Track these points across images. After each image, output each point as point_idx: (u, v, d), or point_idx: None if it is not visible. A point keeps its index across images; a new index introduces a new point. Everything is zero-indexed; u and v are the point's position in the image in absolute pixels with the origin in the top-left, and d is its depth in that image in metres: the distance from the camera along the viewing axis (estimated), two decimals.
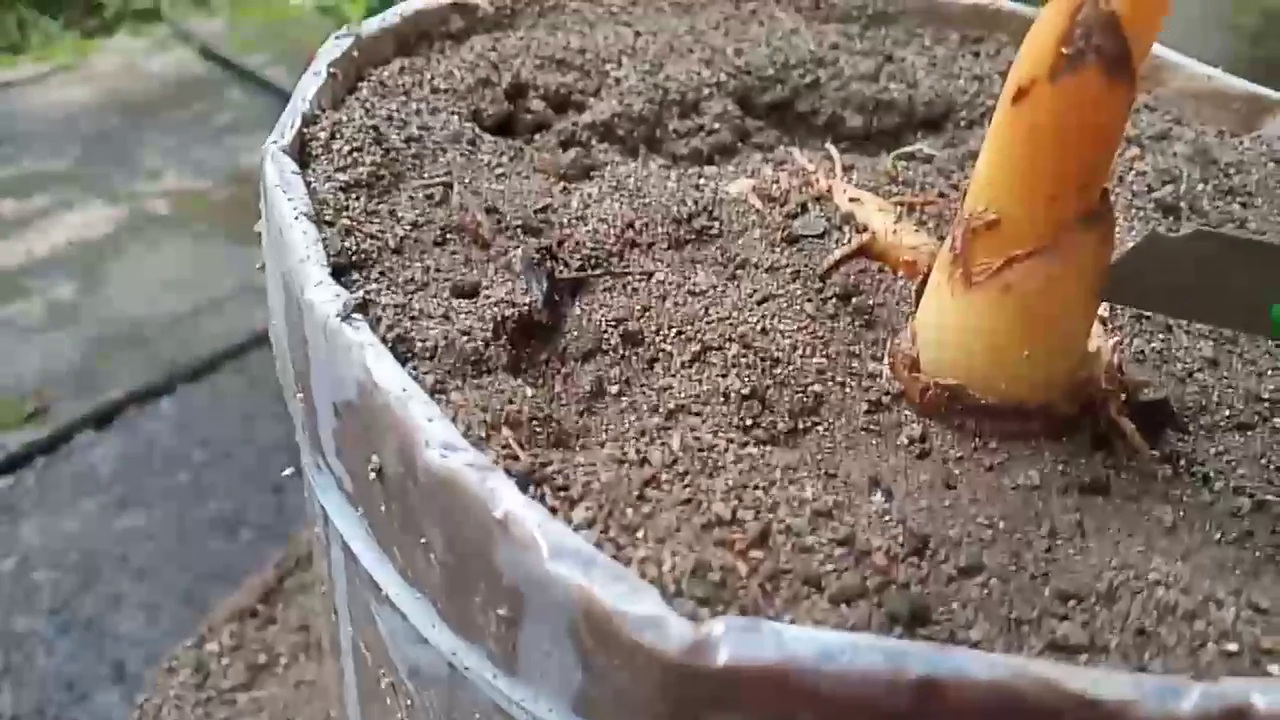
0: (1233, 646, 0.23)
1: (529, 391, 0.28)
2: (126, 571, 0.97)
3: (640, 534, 0.23)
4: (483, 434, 0.25)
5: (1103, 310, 0.33)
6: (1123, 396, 0.31)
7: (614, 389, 0.29)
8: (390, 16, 0.43)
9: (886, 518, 0.25)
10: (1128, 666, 0.22)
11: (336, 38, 0.40)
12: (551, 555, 0.21)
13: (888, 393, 0.30)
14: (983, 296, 0.28)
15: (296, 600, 0.65)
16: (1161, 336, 0.34)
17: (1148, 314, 0.35)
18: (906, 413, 0.30)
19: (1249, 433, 0.32)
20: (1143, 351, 0.34)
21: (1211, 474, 0.30)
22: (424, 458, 0.23)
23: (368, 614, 0.30)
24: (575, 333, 0.31)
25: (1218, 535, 0.28)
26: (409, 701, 0.29)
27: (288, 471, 0.33)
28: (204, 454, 1.15)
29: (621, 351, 0.30)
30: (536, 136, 0.42)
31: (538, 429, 0.27)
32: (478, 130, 0.40)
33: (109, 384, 1.19)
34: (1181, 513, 0.28)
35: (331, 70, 0.38)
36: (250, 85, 1.63)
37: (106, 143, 1.57)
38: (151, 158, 1.57)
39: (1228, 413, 0.32)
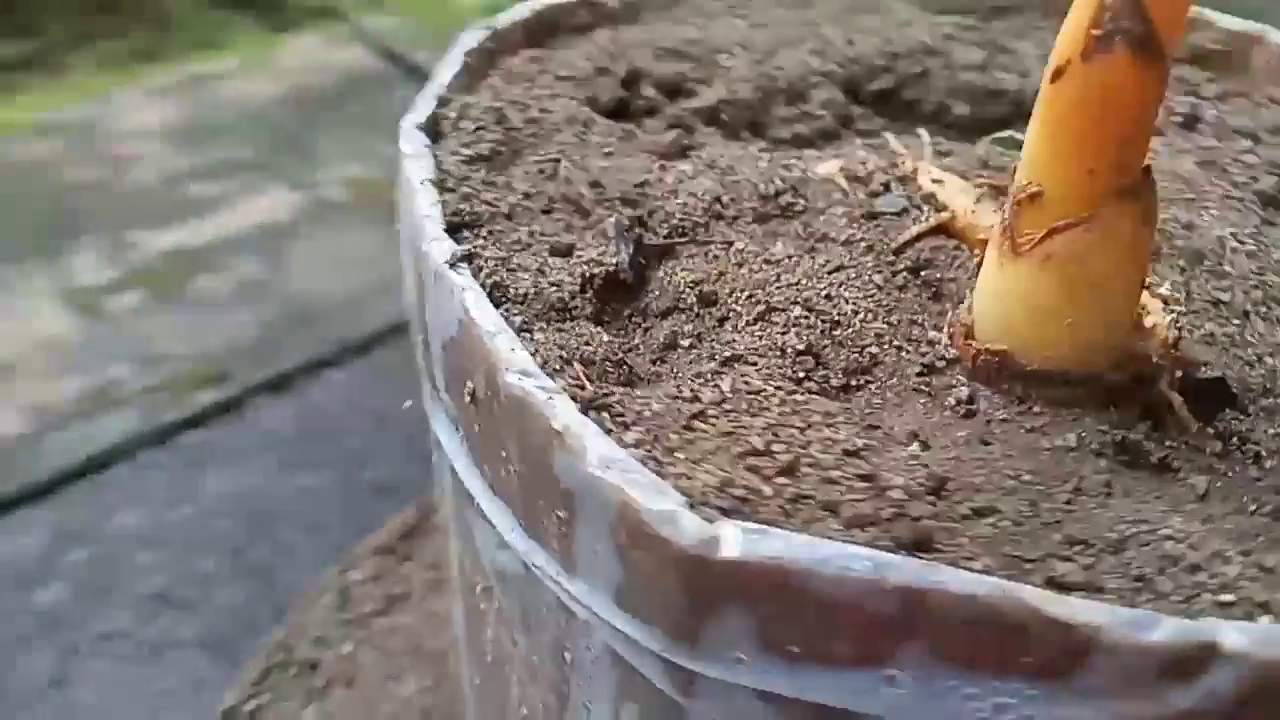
0: (1228, 598, 0.25)
1: (606, 337, 0.32)
2: (297, 525, 1.07)
3: (680, 455, 0.27)
4: (557, 366, 0.29)
5: (1165, 289, 0.35)
6: (1178, 373, 0.32)
7: (686, 343, 0.33)
8: (522, 10, 0.48)
9: (913, 462, 0.28)
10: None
11: (474, 29, 0.46)
12: (597, 463, 0.25)
13: (943, 358, 0.33)
14: (1027, 265, 0.30)
15: (433, 541, 0.72)
16: (1236, 322, 0.35)
17: (1224, 298, 0.36)
18: (959, 377, 0.33)
19: None
20: (1213, 334, 0.35)
21: (1264, 453, 0.31)
22: (504, 381, 0.28)
23: (466, 527, 0.35)
24: (657, 292, 0.35)
25: (1253, 507, 0.29)
26: (496, 604, 0.34)
27: (407, 404, 0.39)
28: (367, 423, 1.26)
29: (697, 310, 0.34)
30: (648, 121, 0.46)
31: (610, 370, 0.31)
32: (592, 114, 0.44)
33: (284, 355, 1.32)
34: (1219, 484, 0.29)
35: (466, 58, 0.44)
36: (421, 81, 1.76)
37: (289, 133, 1.73)
38: (329, 148, 1.71)
39: None
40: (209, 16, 2.34)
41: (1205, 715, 0.23)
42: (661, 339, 0.33)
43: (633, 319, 0.35)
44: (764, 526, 0.24)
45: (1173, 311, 0.34)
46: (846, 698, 0.25)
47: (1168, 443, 0.31)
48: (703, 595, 0.24)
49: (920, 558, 0.25)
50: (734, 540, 0.23)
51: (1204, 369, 0.33)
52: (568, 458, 0.26)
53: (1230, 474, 0.30)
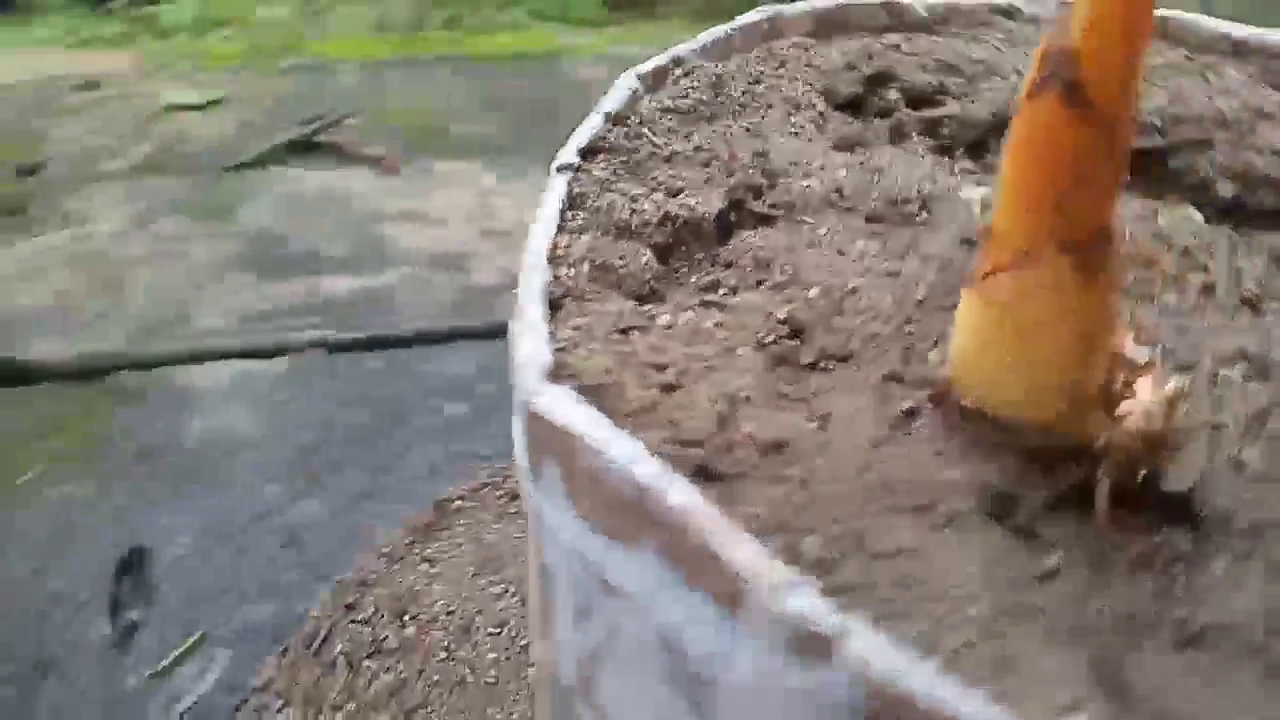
0: (922, 630, 0.26)
1: (648, 260, 0.39)
2: None
3: (593, 346, 0.33)
4: (571, 259, 0.37)
5: (1172, 385, 0.32)
6: (1141, 471, 0.31)
7: (722, 291, 0.39)
8: (819, 1, 0.54)
9: (786, 427, 0.32)
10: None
11: (758, 10, 0.53)
12: (522, 328, 0.33)
13: (920, 376, 0.35)
14: (976, 298, 0.31)
15: None
16: None
17: None
18: (919, 394, 0.34)
19: None
20: (1244, 463, 0.31)
21: (1182, 582, 0.29)
22: (523, 259, 0.37)
23: None
24: (730, 248, 0.41)
25: (1100, 606, 0.28)
26: None
27: None
28: None
29: (748, 270, 0.39)
30: (875, 120, 0.50)
31: (631, 284, 0.38)
32: (819, 102, 0.49)
33: None
34: (1085, 574, 0.28)
35: (731, 33, 0.51)
36: None
37: None
38: None
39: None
40: None
41: (834, 713, 0.25)
42: (705, 283, 0.39)
43: (699, 262, 0.40)
44: (585, 404, 0.30)
45: (1178, 408, 0.31)
46: (609, 570, 0.30)
47: (1070, 526, 0.30)
48: (536, 442, 0.31)
49: (700, 484, 0.29)
50: (552, 400, 0.30)
51: (1176, 479, 0.30)
52: (518, 325, 0.34)
53: (1117, 578, 0.29)
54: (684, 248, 0.41)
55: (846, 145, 0.46)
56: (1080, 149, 0.27)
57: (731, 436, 0.31)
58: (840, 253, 0.40)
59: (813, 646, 0.25)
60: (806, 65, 0.52)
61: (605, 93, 0.46)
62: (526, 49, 1.97)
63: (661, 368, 0.33)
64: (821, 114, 0.49)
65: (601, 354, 0.33)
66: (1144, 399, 0.32)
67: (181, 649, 0.83)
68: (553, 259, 0.36)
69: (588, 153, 0.43)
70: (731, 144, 0.45)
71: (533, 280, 0.35)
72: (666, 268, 0.39)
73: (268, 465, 1.08)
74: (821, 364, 0.35)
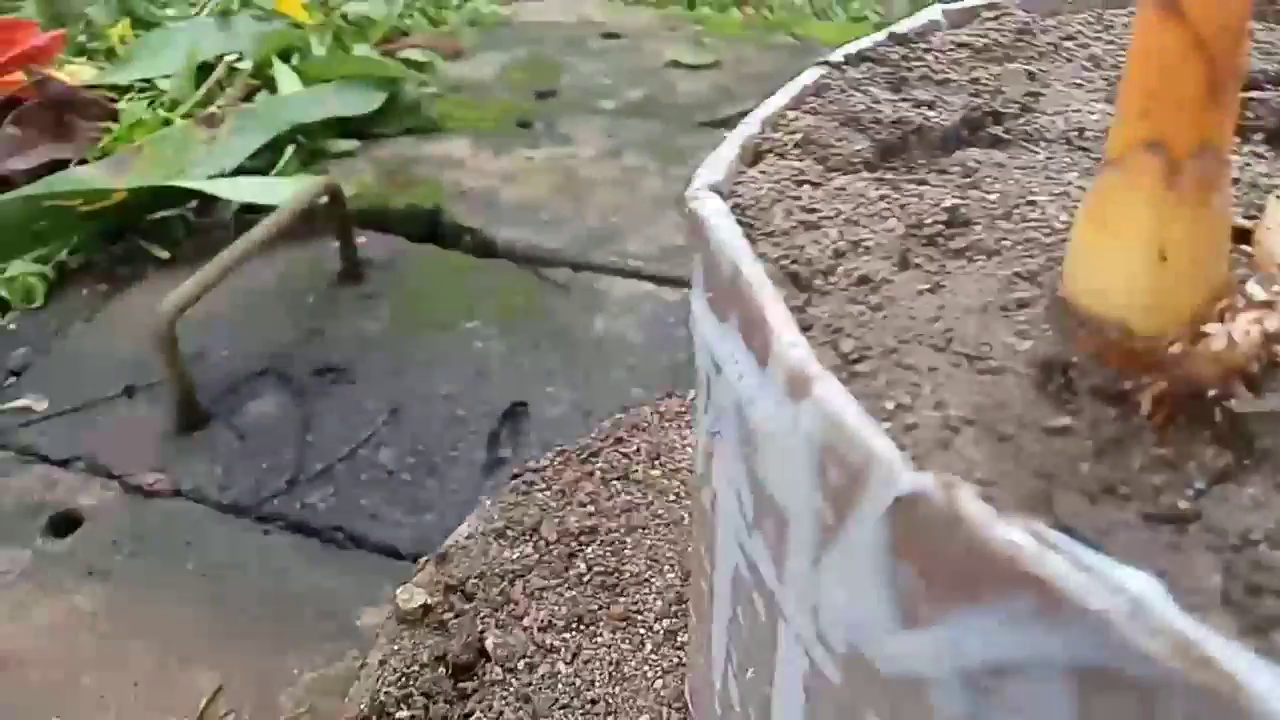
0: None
1: (862, 147, 0.44)
2: None
3: (763, 185, 0.41)
4: (788, 128, 0.44)
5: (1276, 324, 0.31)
6: (1210, 391, 0.31)
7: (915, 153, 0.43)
8: None
9: (890, 275, 0.37)
10: None
11: None
12: (714, 155, 0.41)
13: (1052, 281, 0.37)
14: (1089, 190, 0.34)
15: None
16: None
17: None
18: (1039, 292, 0.37)
19: None
20: None
21: (1198, 487, 0.29)
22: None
23: None
24: (952, 157, 0.45)
25: (1086, 473, 0.30)
26: None
27: None
28: None
29: (953, 175, 0.44)
30: None
31: (835, 162, 0.44)
32: (1122, 65, 0.50)
33: None
34: (1090, 441, 0.30)
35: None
36: None
37: None
38: None
39: None
40: None
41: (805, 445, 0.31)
42: (907, 178, 0.44)
43: (913, 163, 0.45)
44: (730, 218, 0.38)
45: (1273, 348, 0.31)
46: (714, 345, 0.38)
47: (1103, 407, 0.32)
48: (690, 235, 0.40)
49: (787, 286, 0.36)
50: (706, 209, 0.38)
51: (1244, 402, 0.31)
52: (716, 149, 0.43)
53: (1129, 460, 0.30)
54: (905, 152, 0.46)
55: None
56: (1167, 55, 0.29)
57: (839, 267, 0.37)
58: (1049, 178, 0.42)
59: (796, 388, 0.31)
60: (1131, 33, 0.52)
61: None
62: None
63: (811, 211, 0.39)
64: (1120, 77, 0.50)
65: (767, 191, 0.40)
66: (1240, 327, 0.32)
67: None
68: (772, 124, 0.44)
69: (856, 59, 0.49)
70: (1006, 81, 0.49)
71: (744, 131, 0.43)
72: (878, 161, 0.45)
73: (640, 373, 1.24)
74: (967, 253, 0.39)
